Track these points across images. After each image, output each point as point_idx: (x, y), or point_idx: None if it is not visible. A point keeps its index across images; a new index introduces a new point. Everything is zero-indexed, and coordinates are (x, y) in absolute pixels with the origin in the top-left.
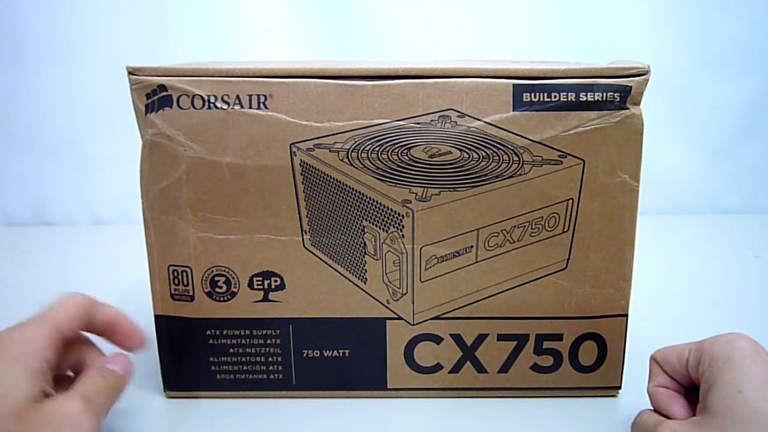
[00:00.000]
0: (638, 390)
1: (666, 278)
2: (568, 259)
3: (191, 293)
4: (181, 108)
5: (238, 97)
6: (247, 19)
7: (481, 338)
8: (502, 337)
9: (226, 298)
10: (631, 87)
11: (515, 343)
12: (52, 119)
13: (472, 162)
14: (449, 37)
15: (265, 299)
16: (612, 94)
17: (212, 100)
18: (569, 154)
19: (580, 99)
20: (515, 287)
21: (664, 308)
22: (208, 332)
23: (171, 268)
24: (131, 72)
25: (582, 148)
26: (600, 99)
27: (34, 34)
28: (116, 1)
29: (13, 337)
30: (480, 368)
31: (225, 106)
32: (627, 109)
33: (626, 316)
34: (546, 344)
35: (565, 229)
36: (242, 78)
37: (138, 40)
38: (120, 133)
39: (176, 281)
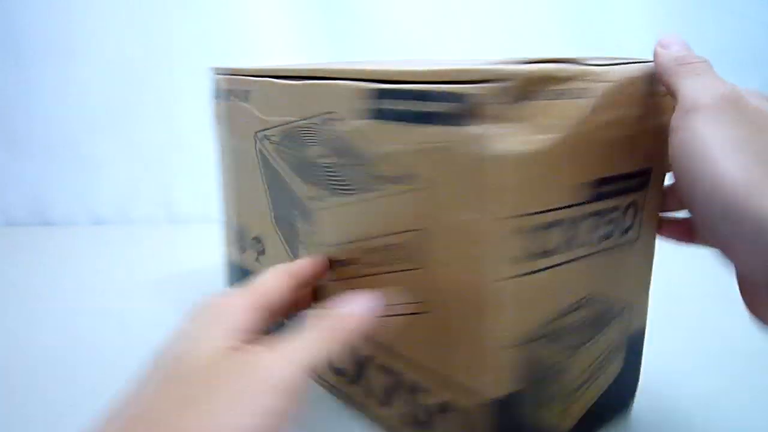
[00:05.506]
0: (649, 404)
1: (665, 279)
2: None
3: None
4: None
5: (238, 91)
6: (248, 19)
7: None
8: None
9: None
10: (470, 97)
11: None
12: (52, 119)
13: (337, 168)
14: (450, 37)
15: (257, 260)
16: (450, 104)
17: (228, 93)
18: (413, 175)
19: (423, 109)
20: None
21: (663, 307)
22: None
23: None
24: (217, 72)
25: (426, 170)
26: (440, 110)
27: (34, 34)
28: (116, 0)
29: (214, 301)
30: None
31: (234, 98)
32: (468, 125)
33: None
34: None
35: (416, 267)
36: (241, 76)
37: (138, 39)
38: (120, 133)
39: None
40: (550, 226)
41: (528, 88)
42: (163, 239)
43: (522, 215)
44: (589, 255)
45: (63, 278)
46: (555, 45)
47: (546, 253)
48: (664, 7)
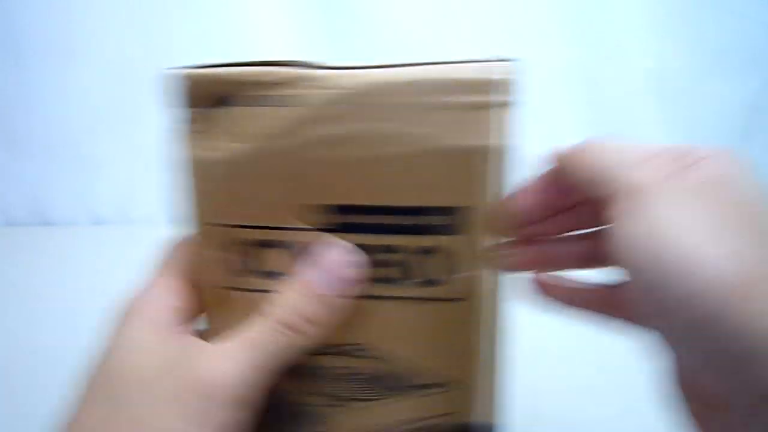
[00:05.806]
0: None
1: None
2: None
3: None
4: None
5: None
6: (248, 19)
7: None
8: None
9: None
10: (177, 99)
11: None
12: (52, 119)
13: None
14: (450, 37)
15: None
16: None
17: None
18: None
19: None
20: None
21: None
22: None
23: None
24: None
25: None
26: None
27: (34, 34)
28: (116, 0)
29: (134, 295)
30: None
31: None
32: (184, 127)
33: None
34: None
35: None
36: None
37: (138, 39)
38: (120, 133)
39: None
40: (264, 244)
41: (214, 91)
42: (163, 239)
43: (220, 225)
44: (358, 297)
45: (63, 278)
46: (555, 45)
47: (270, 275)
48: (664, 7)
